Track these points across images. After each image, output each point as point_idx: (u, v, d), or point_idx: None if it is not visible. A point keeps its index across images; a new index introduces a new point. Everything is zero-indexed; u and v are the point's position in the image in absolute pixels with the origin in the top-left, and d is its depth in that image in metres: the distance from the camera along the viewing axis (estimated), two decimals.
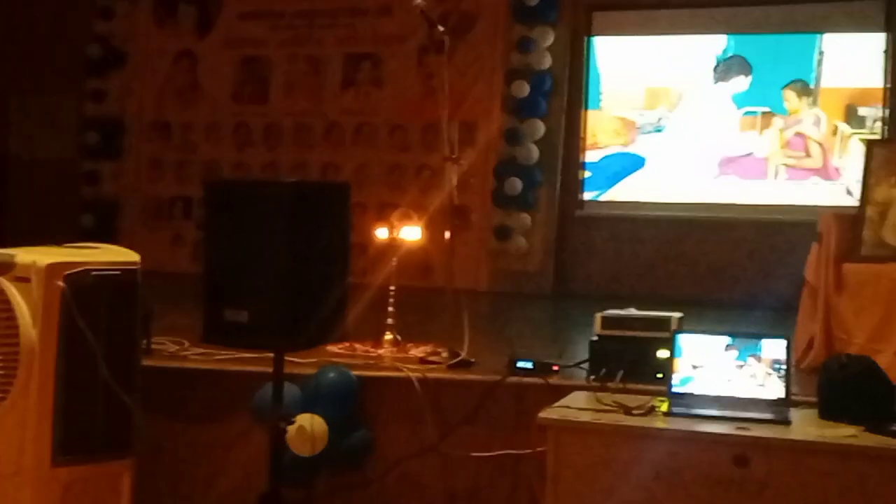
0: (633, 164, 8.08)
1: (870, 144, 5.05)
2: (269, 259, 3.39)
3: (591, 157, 8.16)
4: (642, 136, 8.06)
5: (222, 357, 4.30)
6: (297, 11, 8.71)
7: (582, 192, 8.23)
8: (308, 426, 3.77)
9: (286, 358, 3.64)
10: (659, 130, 8.02)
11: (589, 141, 8.17)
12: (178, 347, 4.54)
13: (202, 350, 4.39)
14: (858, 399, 3.46)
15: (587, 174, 8.17)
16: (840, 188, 7.51)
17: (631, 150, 8.09)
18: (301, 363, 4.12)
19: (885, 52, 7.47)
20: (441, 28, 4.54)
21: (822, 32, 7.64)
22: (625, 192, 8.13)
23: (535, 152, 8.05)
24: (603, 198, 8.19)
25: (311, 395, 3.94)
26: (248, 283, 3.44)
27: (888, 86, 7.43)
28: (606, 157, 8.14)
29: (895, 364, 4.21)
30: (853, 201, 6.14)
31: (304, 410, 3.84)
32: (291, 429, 3.68)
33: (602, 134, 8.16)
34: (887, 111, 7.41)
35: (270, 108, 8.82)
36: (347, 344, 4.59)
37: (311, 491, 4.03)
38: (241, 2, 8.91)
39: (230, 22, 8.97)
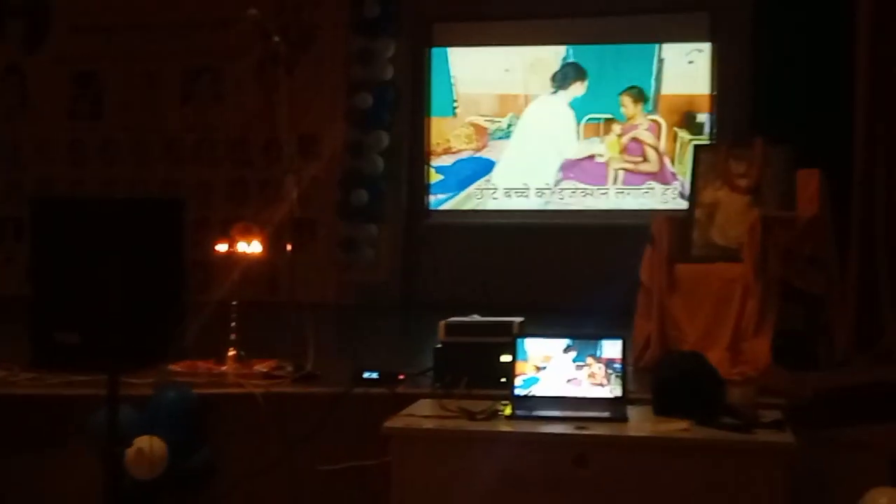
0: (484, 168, 8.26)
1: (697, 149, 5.27)
2: (100, 278, 3.28)
3: (444, 160, 8.31)
4: (493, 142, 8.24)
5: (54, 381, 4.12)
6: (131, 25, 8.48)
7: (428, 202, 8.32)
8: (147, 448, 3.65)
9: (122, 379, 3.51)
10: (507, 136, 8.19)
11: (443, 146, 8.30)
12: (6, 373, 4.32)
13: (32, 375, 4.20)
14: (689, 394, 3.57)
15: (440, 177, 8.29)
16: (677, 192, 7.82)
17: (483, 154, 8.26)
18: (138, 384, 3.99)
19: (711, 61, 7.82)
20: (276, 38, 4.48)
21: (655, 43, 7.95)
22: (472, 199, 8.25)
23: (380, 164, 8.08)
24: (450, 205, 8.30)
25: (150, 416, 3.82)
26: (79, 303, 3.32)
27: (714, 93, 7.78)
28: (459, 160, 8.29)
29: (725, 359, 4.40)
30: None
31: (142, 432, 3.71)
32: (129, 452, 3.57)
33: (455, 139, 8.29)
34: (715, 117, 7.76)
35: (106, 124, 8.57)
36: (188, 362, 4.48)
37: None
38: (73, 15, 8.61)
39: (61, 36, 8.67)
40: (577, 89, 8.07)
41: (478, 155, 8.28)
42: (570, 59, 8.10)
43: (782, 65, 6.56)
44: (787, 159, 4.93)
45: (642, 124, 7.97)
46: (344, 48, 8.21)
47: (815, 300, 4.75)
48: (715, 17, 7.80)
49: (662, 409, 3.61)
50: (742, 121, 7.22)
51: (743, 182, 4.99)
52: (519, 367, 3.71)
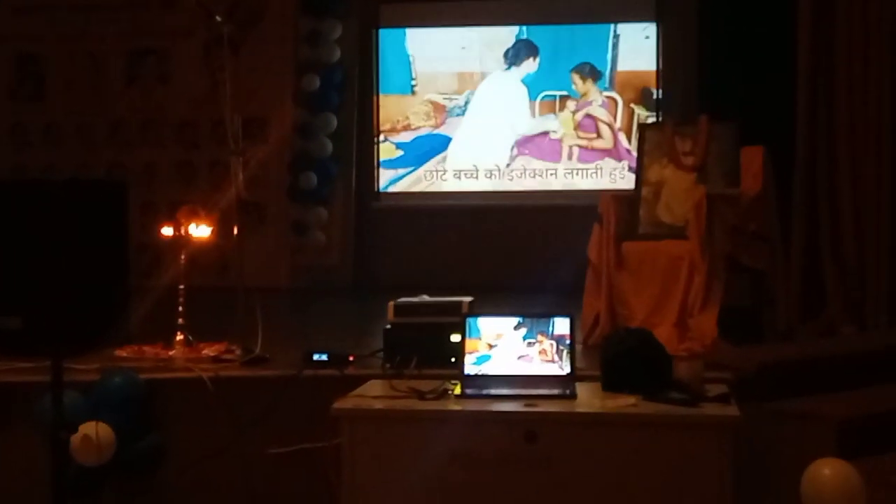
0: (441, 144, 8.28)
1: (642, 128, 5.32)
2: (42, 262, 3.23)
3: (404, 137, 8.31)
4: (451, 119, 8.25)
5: None
6: (75, 5, 8.31)
7: (378, 185, 8.30)
8: (93, 434, 3.62)
9: (67, 364, 3.46)
10: (465, 113, 8.22)
11: (402, 123, 8.29)
12: None
13: None
14: (637, 370, 3.61)
15: (400, 153, 8.29)
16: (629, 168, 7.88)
17: (441, 131, 8.27)
18: (84, 369, 3.95)
19: (657, 40, 7.87)
20: (219, 18, 4.42)
21: (603, 24, 7.97)
22: (422, 182, 8.24)
23: (328, 146, 8.04)
24: (408, 181, 8.29)
25: (96, 401, 3.78)
26: (21, 287, 3.26)
27: (660, 72, 7.84)
28: (418, 137, 8.29)
29: (673, 336, 4.45)
30: None
31: (88, 418, 3.67)
32: (75, 438, 3.52)
33: (414, 117, 8.29)
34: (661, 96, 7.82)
35: (49, 106, 8.41)
36: (135, 347, 4.44)
37: (99, 502, 3.86)
38: None
39: (3, 17, 8.47)
40: (530, 66, 8.10)
41: (436, 132, 8.28)
42: (524, 37, 8.11)
43: (727, 43, 6.62)
44: (731, 137, 4.98)
45: (596, 101, 8.01)
46: (291, 29, 8.14)
47: (760, 275, 4.82)
48: None
49: (611, 385, 3.65)
50: (688, 99, 7.28)
51: (689, 160, 5.03)
52: (471, 345, 3.72)
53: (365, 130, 8.26)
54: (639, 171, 5.17)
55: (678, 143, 5.06)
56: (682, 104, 7.37)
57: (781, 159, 5.06)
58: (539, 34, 8.13)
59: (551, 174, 8.11)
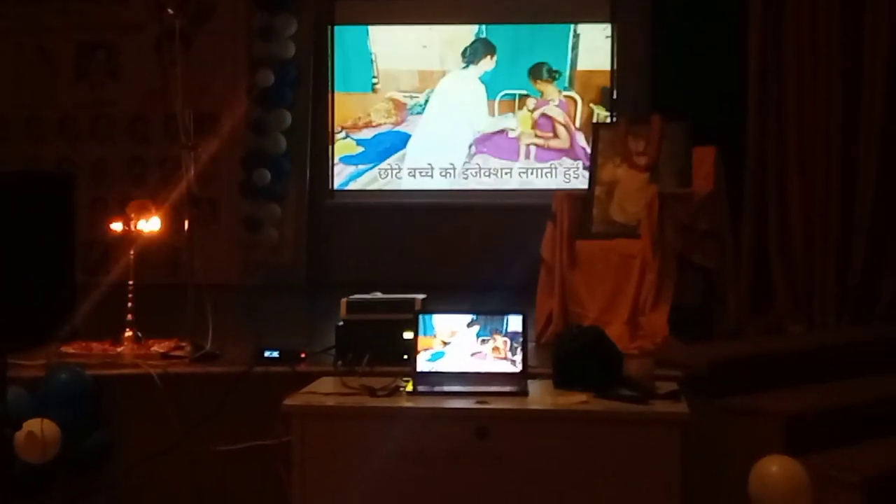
0: (401, 141, 8.28)
1: (596, 127, 5.34)
2: None
3: (365, 134, 8.30)
4: (411, 117, 8.25)
5: None
6: None
7: (332, 181, 8.26)
8: (38, 431, 3.55)
9: (11, 360, 3.41)
10: (422, 112, 8.22)
11: (364, 120, 8.28)
12: None
13: None
14: (589, 367, 3.63)
15: (361, 149, 8.28)
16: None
17: (401, 128, 8.27)
18: (29, 365, 3.89)
19: (612, 40, 7.93)
20: (170, 11, 4.38)
21: (560, 24, 8.01)
22: (381, 176, 8.24)
23: (282, 142, 7.99)
24: (368, 177, 8.27)
25: (41, 398, 3.72)
26: None
27: (614, 73, 7.89)
28: (378, 134, 8.29)
29: (625, 333, 4.48)
30: None
31: (33, 415, 3.61)
32: (19, 435, 3.47)
33: (375, 114, 8.28)
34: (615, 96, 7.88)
35: None
36: (83, 343, 4.38)
37: (46, 500, 3.80)
38: None
39: None
40: (487, 64, 8.13)
41: (396, 129, 8.27)
42: (483, 36, 8.12)
43: (680, 44, 6.68)
44: (683, 136, 5.02)
45: (553, 100, 8.05)
46: (244, 24, 8.08)
47: (711, 273, 4.86)
48: None
49: (563, 382, 3.66)
50: (642, 99, 7.33)
51: (641, 160, 5.06)
52: (425, 342, 3.71)
53: (320, 127, 8.21)
54: (592, 170, 5.19)
55: (631, 142, 5.10)
56: (636, 104, 7.42)
57: (732, 159, 5.11)
58: (499, 33, 8.14)
59: (506, 173, 8.13)
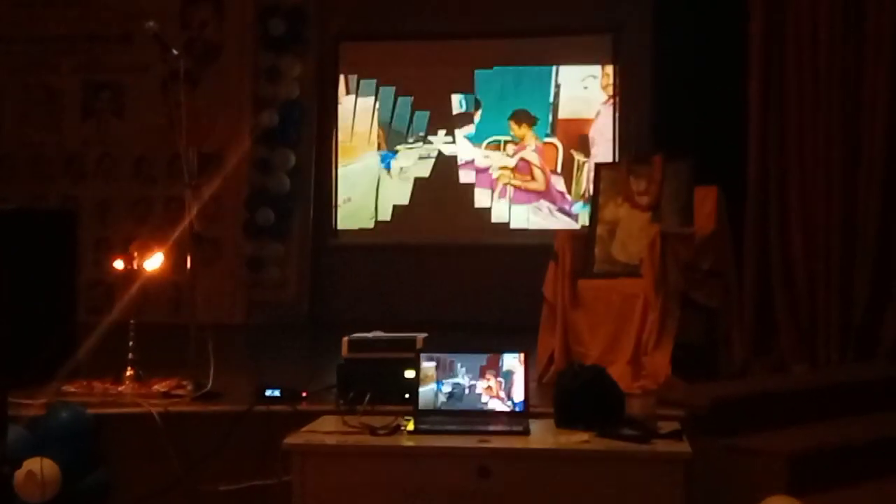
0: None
1: (598, 167, 5.34)
2: None
3: None
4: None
5: None
6: (31, 37, 8.27)
7: (336, 221, 8.28)
8: (37, 470, 3.54)
9: (12, 399, 3.41)
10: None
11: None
12: None
13: None
14: (590, 406, 3.61)
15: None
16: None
17: None
18: (30, 404, 3.87)
19: (613, 82, 7.98)
20: (175, 52, 4.42)
21: (561, 66, 8.08)
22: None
23: (286, 182, 8.03)
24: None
25: (41, 436, 3.70)
26: None
27: (616, 114, 7.94)
28: None
29: (627, 373, 4.47)
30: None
31: (33, 454, 3.59)
32: (19, 474, 3.45)
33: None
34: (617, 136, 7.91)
35: (3, 138, 8.32)
36: (84, 382, 4.37)
37: None
38: None
39: None
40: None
41: None
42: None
43: (681, 84, 6.72)
44: (685, 176, 5.03)
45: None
46: (251, 65, 8.15)
47: (714, 312, 4.85)
48: (617, 39, 7.95)
49: (564, 421, 3.65)
50: (643, 139, 7.36)
51: (643, 199, 5.07)
52: (427, 381, 3.70)
53: (322, 167, 8.25)
54: (594, 209, 5.20)
55: (633, 182, 5.11)
56: (638, 143, 7.45)
57: (734, 198, 5.12)
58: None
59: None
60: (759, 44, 5.31)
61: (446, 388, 3.71)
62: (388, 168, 8.32)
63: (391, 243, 8.16)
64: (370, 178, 8.32)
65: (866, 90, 5.10)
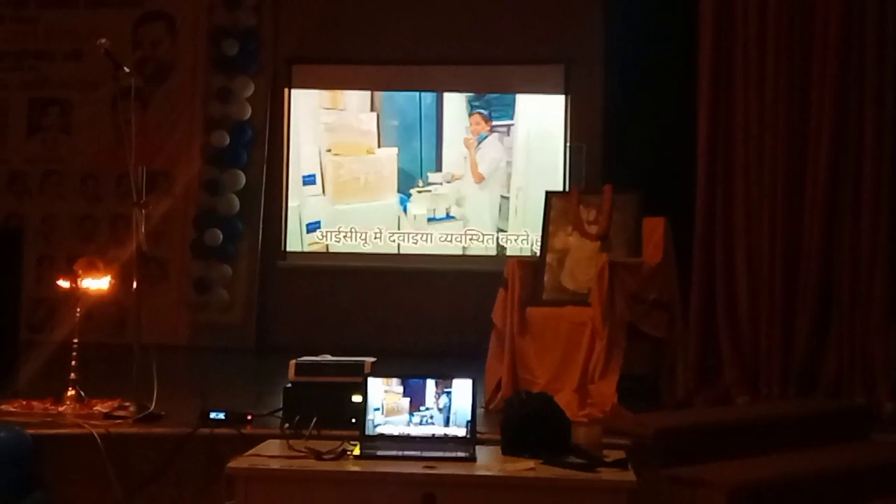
0: None
1: (548, 195, 5.38)
2: None
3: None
4: None
5: None
6: None
7: (285, 243, 8.23)
8: None
9: None
10: None
11: None
12: None
13: None
14: (537, 434, 3.62)
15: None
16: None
17: None
18: None
19: (565, 111, 8.06)
20: (126, 69, 4.39)
21: (514, 93, 8.13)
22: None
23: (235, 203, 7.98)
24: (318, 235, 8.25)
25: None
26: None
27: (567, 143, 8.01)
28: None
29: (574, 401, 4.49)
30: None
31: None
32: None
33: None
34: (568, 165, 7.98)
35: None
36: (23, 401, 4.29)
37: None
38: None
39: None
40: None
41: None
42: (433, 107, 8.19)
43: (632, 117, 6.80)
44: (634, 207, 5.11)
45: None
46: (202, 85, 8.11)
47: (660, 343, 4.90)
48: (569, 70, 8.04)
49: (511, 448, 3.65)
50: (593, 170, 7.43)
51: (592, 228, 5.13)
52: (373, 405, 3.69)
53: (272, 189, 8.20)
54: (544, 237, 5.24)
55: (583, 211, 5.17)
56: (588, 174, 7.52)
57: (682, 230, 5.19)
58: (448, 104, 8.22)
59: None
60: (707, 81, 5.39)
61: (395, 414, 3.69)
62: None
63: (341, 266, 8.11)
64: None
65: (811, 132, 5.20)
